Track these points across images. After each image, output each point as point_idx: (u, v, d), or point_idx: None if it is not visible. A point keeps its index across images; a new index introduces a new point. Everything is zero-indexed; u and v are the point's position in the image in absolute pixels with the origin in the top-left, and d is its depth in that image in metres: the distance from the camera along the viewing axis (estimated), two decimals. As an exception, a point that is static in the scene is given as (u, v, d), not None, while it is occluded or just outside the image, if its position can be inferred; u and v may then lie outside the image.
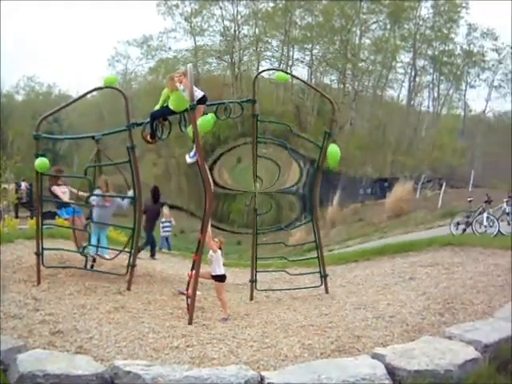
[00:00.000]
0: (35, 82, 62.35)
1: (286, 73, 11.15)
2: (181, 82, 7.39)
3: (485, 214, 14.51)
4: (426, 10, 50.22)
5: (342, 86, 51.74)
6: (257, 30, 52.73)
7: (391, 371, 4.30)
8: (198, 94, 7.29)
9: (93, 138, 9.00)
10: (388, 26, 50.32)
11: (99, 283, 8.40)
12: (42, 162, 7.85)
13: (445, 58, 50.70)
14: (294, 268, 10.85)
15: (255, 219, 9.03)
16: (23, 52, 78.39)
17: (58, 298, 7.28)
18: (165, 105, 7.90)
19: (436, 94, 52.82)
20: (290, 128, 10.58)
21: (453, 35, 50.28)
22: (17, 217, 22.23)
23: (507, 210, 14.80)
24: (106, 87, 8.46)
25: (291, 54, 53.51)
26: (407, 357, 4.43)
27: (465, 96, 53.36)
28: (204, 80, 48.51)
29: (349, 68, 50.48)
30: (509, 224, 14.34)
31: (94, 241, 9.42)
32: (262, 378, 4.26)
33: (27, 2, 70.55)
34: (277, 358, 5.17)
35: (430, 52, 51.12)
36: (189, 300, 7.00)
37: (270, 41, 53.81)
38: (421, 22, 50.07)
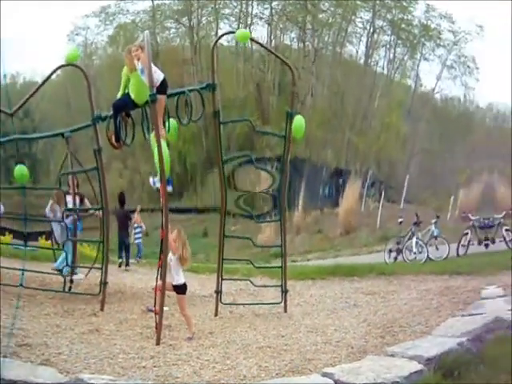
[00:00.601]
0: (-4, 78, 58.46)
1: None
2: (139, 59, 6.80)
3: (414, 240, 15.26)
4: None
5: (301, 45, 50.72)
6: None
7: (341, 386, 4.34)
8: (158, 75, 6.78)
9: (62, 135, 8.32)
10: None
11: (76, 306, 8.41)
12: (19, 172, 7.17)
13: (403, 25, 50.76)
14: (259, 277, 11.34)
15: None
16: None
17: (33, 317, 7.25)
18: (127, 91, 7.32)
19: (392, 56, 52.69)
20: (252, 124, 10.52)
21: (411, 8, 50.50)
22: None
23: (435, 233, 15.50)
24: (69, 64, 8.01)
25: (250, 9, 51.24)
26: (355, 373, 4.62)
27: (418, 66, 53.07)
28: (163, 52, 46.71)
29: (309, 21, 49.68)
30: (437, 249, 15.10)
31: (61, 260, 9.19)
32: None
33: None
34: (236, 378, 5.26)
35: (389, 16, 50.96)
36: (157, 317, 6.90)
37: None
38: None
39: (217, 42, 10.03)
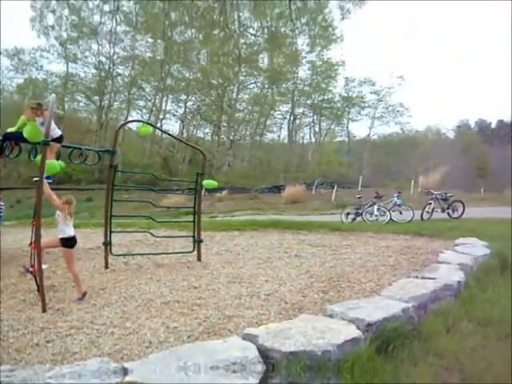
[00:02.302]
0: None
1: (152, 125, 9.90)
2: (40, 115, 6.84)
3: (375, 206, 15.63)
4: (303, 72, 51.68)
5: (216, 137, 51.03)
6: (132, 72, 50.43)
7: (264, 353, 3.63)
8: (55, 133, 6.89)
9: None
10: (266, 86, 50.86)
11: None
12: None
13: (324, 105, 52.09)
14: (163, 230, 10.04)
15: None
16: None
17: None
18: (20, 130, 7.35)
19: (317, 129, 54.48)
20: (156, 176, 10.74)
21: (331, 88, 51.86)
22: None
23: (398, 202, 15.92)
24: None
25: (164, 105, 51.64)
26: (282, 337, 3.80)
27: (347, 127, 55.29)
28: (68, 118, 46.85)
29: (224, 120, 49.91)
30: (401, 213, 15.38)
31: None
32: (125, 370, 3.53)
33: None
34: (140, 346, 4.51)
35: (309, 102, 52.35)
36: (38, 279, 6.12)
37: (143, 86, 51.48)
38: (299, 81, 51.24)
39: (122, 126, 9.65)
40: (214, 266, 7.46)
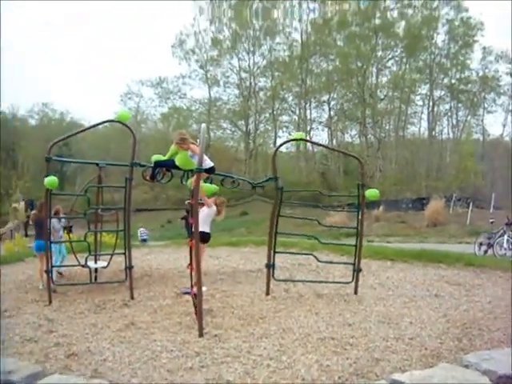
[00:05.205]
0: (49, 109, 60.72)
1: (304, 140, 10.00)
2: (187, 149, 7.55)
3: (505, 237, 15.24)
4: (441, 38, 49.89)
5: (363, 139, 50.91)
6: (273, 82, 51.47)
7: (411, 401, 4.28)
8: (207, 164, 7.50)
9: (97, 164, 9.59)
10: (404, 60, 50.03)
11: (107, 297, 8.51)
12: (51, 180, 8.12)
13: (461, 86, 50.44)
14: (325, 253, 10.47)
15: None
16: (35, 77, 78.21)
17: (70, 318, 7.34)
18: (172, 158, 8.12)
19: (455, 121, 52.93)
20: (320, 191, 10.22)
21: (468, 61, 49.80)
22: (26, 235, 22.28)
23: None
24: (118, 121, 8.66)
25: (308, 113, 52.00)
26: None
27: (482, 121, 53.28)
28: (214, 147, 48.01)
29: (368, 115, 49.60)
30: None
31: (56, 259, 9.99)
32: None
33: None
34: (294, 381, 4.84)
35: (446, 81, 50.91)
36: (195, 300, 6.62)
37: (285, 96, 52.11)
38: (436, 51, 49.67)
39: (277, 150, 9.96)
40: (367, 301, 7.96)
